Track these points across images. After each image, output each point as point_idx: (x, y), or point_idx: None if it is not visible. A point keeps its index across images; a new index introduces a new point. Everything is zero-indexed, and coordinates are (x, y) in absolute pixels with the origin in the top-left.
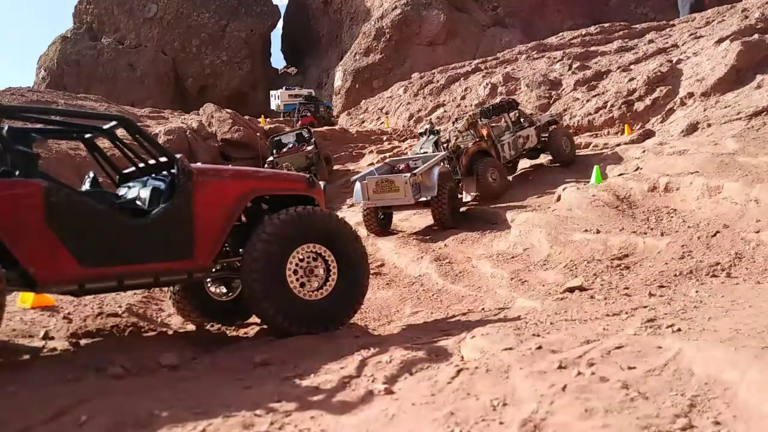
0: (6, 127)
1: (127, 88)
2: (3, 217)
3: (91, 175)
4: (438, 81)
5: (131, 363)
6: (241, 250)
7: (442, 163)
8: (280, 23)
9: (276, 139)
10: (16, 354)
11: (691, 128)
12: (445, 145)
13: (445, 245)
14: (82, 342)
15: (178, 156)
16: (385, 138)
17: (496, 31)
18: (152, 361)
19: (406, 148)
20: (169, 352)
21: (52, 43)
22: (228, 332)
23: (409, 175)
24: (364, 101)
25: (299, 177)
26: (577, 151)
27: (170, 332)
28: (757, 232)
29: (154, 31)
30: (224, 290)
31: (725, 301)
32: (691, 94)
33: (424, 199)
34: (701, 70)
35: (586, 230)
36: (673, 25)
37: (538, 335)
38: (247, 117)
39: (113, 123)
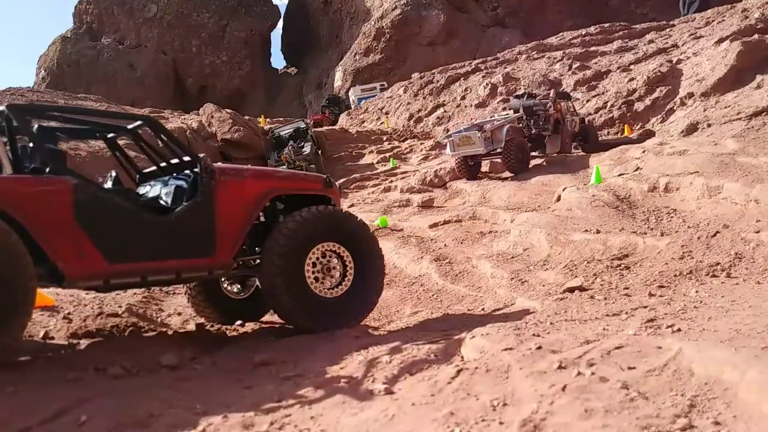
0: (37, 126)
1: (127, 88)
2: (34, 214)
3: (113, 173)
4: (438, 81)
5: (131, 363)
6: (257, 248)
7: (515, 122)
8: (280, 23)
9: (276, 135)
10: (16, 354)
11: (691, 128)
12: (535, 109)
13: (445, 245)
14: (82, 342)
15: (201, 155)
16: (385, 138)
17: (496, 31)
18: (152, 361)
19: (405, 148)
20: (169, 352)
21: (52, 43)
22: (228, 332)
23: (480, 131)
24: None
25: (317, 177)
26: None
27: (170, 332)
28: (757, 232)
29: (154, 31)
30: (239, 288)
31: (725, 301)
32: (691, 95)
33: (497, 149)
34: (701, 70)
35: (586, 230)
36: (673, 26)
37: (538, 335)
38: (247, 117)
39: (138, 123)
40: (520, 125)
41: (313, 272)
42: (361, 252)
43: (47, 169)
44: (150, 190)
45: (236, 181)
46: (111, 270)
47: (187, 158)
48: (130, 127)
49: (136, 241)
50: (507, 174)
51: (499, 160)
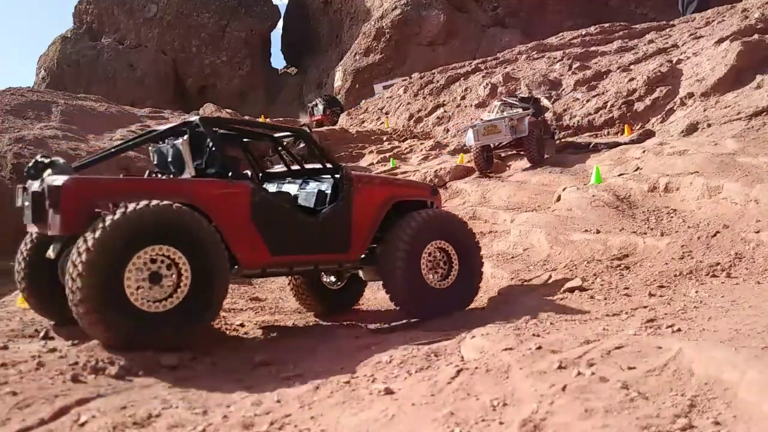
0: (221, 135)
1: (127, 88)
2: (221, 211)
3: (248, 173)
4: (438, 81)
5: (131, 363)
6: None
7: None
8: (280, 23)
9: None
10: (16, 354)
11: (691, 128)
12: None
13: None
14: (82, 342)
15: (342, 165)
16: (385, 138)
17: (496, 31)
18: (152, 361)
19: (405, 149)
20: (169, 352)
21: (52, 43)
22: (228, 332)
23: (508, 119)
24: (364, 101)
25: (425, 185)
26: (577, 151)
27: None
28: (757, 232)
29: (154, 31)
30: (334, 280)
31: (725, 301)
32: (691, 95)
33: (519, 137)
34: (701, 71)
35: (586, 230)
36: (673, 26)
37: (538, 335)
38: (247, 117)
39: (286, 134)
40: (536, 119)
41: (426, 265)
42: (465, 249)
43: (230, 173)
44: (284, 189)
45: (369, 187)
46: (271, 261)
47: (329, 165)
48: (276, 135)
49: (292, 237)
50: (507, 174)
51: (502, 154)
